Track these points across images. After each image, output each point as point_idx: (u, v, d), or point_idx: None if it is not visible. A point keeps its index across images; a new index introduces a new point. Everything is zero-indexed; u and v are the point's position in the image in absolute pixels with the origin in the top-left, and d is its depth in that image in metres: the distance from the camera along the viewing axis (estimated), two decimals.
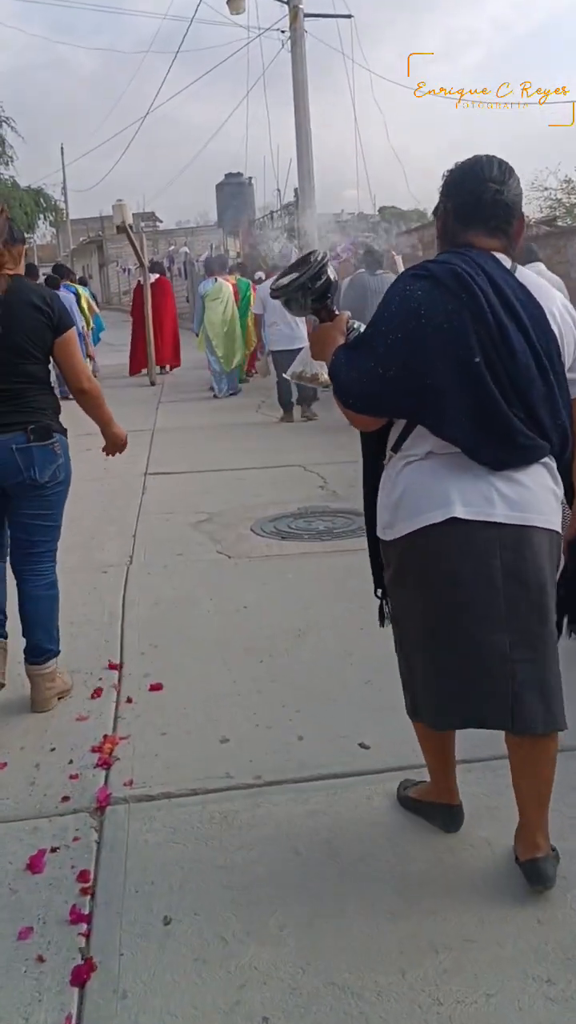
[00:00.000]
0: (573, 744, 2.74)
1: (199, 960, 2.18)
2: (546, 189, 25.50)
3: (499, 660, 2.21)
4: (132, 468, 7.92)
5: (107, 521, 6.28)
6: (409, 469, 2.28)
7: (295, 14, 16.27)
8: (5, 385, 3.34)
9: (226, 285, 12.90)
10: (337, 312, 2.46)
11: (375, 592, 2.61)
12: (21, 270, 3.38)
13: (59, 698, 3.56)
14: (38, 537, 3.50)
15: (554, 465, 2.30)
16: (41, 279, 14.11)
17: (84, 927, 2.30)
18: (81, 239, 49.75)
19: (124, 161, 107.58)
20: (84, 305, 14.79)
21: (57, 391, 3.67)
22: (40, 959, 2.21)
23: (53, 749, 3.19)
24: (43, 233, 51.06)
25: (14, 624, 3.58)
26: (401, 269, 10.43)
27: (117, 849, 2.61)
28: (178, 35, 46.46)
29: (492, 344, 2.13)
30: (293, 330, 9.94)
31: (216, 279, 12.91)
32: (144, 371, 14.89)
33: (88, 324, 14.85)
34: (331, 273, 2.43)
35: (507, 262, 2.27)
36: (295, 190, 18.98)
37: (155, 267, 15.98)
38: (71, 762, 3.09)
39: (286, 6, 16.35)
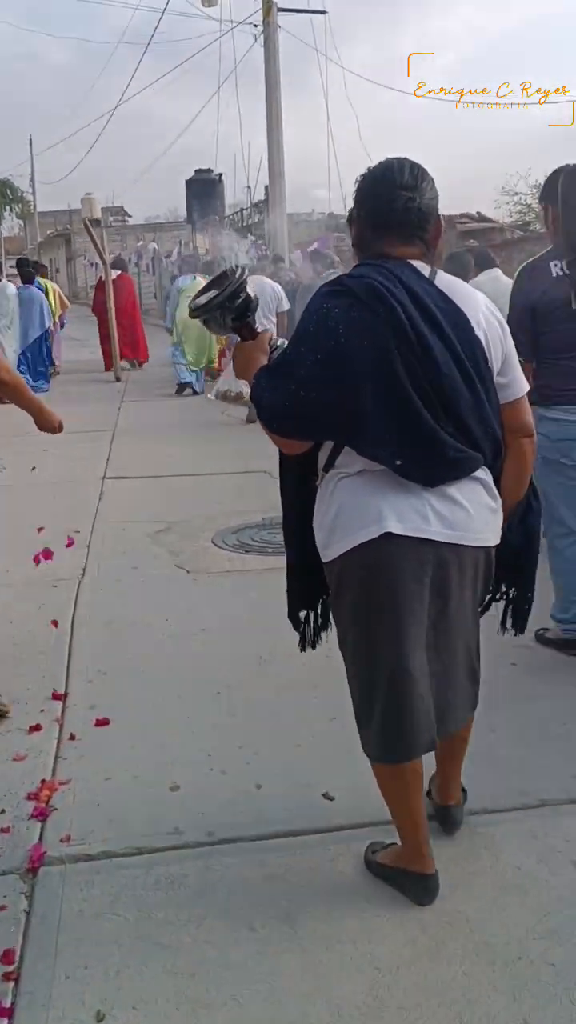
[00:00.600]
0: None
1: None
2: (516, 194, 25.43)
3: (422, 677, 2.22)
4: (90, 472, 7.59)
5: (60, 529, 5.92)
6: (342, 486, 2.22)
7: (268, 8, 16.01)
8: None
9: (203, 282, 12.64)
10: (260, 330, 2.39)
11: (289, 615, 2.59)
12: None
13: None
14: None
15: (489, 479, 2.26)
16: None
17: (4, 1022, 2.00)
18: (49, 232, 49.00)
19: (93, 154, 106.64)
20: (54, 299, 14.54)
21: None
22: None
23: None
24: (10, 226, 50.42)
25: None
26: None
27: (48, 922, 2.30)
28: (151, 28, 45.78)
29: (414, 358, 2.07)
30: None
31: (195, 276, 12.80)
32: (123, 364, 14.90)
33: (55, 319, 14.61)
34: (250, 290, 2.35)
35: (425, 270, 2.21)
36: (265, 188, 18.72)
37: (117, 263, 16.00)
38: (3, 812, 2.78)
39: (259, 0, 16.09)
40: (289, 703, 3.46)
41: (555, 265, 3.60)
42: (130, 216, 49.17)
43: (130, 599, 4.65)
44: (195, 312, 2.36)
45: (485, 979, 2.08)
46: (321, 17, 18.01)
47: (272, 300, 9.60)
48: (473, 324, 2.18)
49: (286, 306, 9.79)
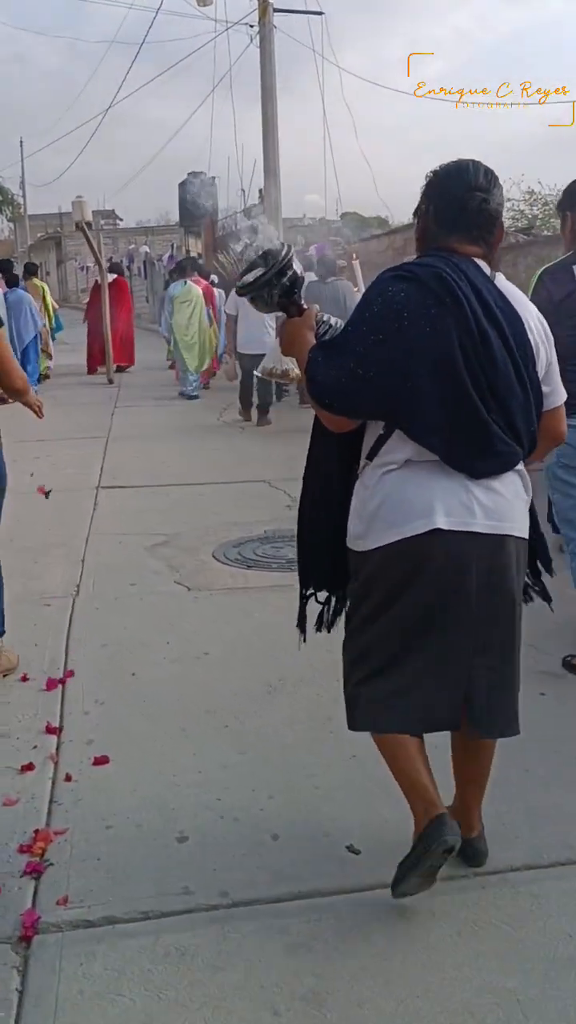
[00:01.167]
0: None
1: None
2: (509, 200, 25.26)
3: (465, 666, 2.23)
4: (84, 481, 7.31)
5: (53, 543, 5.65)
6: (388, 479, 2.21)
7: (264, 8, 15.79)
8: None
9: (195, 287, 12.49)
10: (305, 306, 2.36)
11: (301, 594, 2.59)
12: None
13: (3, 675, 3.57)
14: None
15: (525, 473, 2.30)
16: None
17: None
18: (39, 235, 48.61)
19: (85, 157, 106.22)
20: (48, 301, 14.38)
21: None
22: None
23: None
24: (0, 228, 50.07)
25: None
26: (359, 274, 9.98)
27: (44, 1004, 2.03)
28: (144, 29, 45.48)
29: (474, 350, 2.11)
30: (263, 333, 9.56)
31: (186, 281, 12.52)
32: (101, 369, 14.74)
33: (50, 321, 14.39)
34: (297, 267, 2.34)
35: (487, 269, 2.24)
36: (259, 191, 18.51)
37: (114, 268, 15.95)
38: None
39: (255, 0, 15.87)
40: (303, 738, 3.19)
41: None
42: (121, 219, 48.95)
43: (128, 619, 4.38)
44: (242, 290, 2.34)
45: None
46: (318, 19, 17.81)
47: None
48: (526, 328, 2.22)
49: None
